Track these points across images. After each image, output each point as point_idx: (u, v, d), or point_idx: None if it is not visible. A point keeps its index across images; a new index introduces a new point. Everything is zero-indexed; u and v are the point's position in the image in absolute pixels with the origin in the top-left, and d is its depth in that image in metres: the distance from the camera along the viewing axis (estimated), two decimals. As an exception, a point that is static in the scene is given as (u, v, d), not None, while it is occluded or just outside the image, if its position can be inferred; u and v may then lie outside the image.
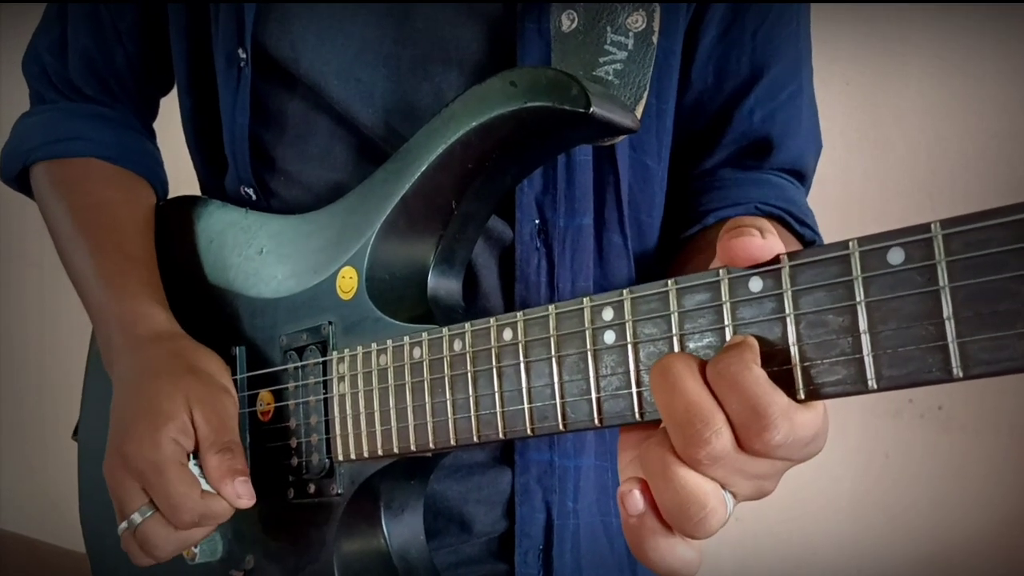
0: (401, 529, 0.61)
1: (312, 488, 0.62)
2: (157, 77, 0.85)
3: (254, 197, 0.73)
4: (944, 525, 1.42)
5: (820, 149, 0.76)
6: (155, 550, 0.60)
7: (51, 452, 2.39)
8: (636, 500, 0.40)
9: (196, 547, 0.68)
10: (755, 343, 0.39)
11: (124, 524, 0.61)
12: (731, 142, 0.70)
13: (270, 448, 0.65)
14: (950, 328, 0.35)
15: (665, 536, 0.40)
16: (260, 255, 0.70)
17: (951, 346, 0.35)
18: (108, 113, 0.83)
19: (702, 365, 0.39)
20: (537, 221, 0.65)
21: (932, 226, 0.35)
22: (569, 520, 0.67)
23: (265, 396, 0.67)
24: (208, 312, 0.73)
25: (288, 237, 0.69)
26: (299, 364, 0.63)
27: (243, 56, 0.69)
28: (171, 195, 0.84)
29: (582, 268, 0.66)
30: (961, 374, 0.35)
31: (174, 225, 0.78)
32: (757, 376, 0.37)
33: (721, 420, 0.38)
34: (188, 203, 0.79)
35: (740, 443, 0.38)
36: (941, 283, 0.35)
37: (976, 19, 1.33)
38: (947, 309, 0.35)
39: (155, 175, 0.84)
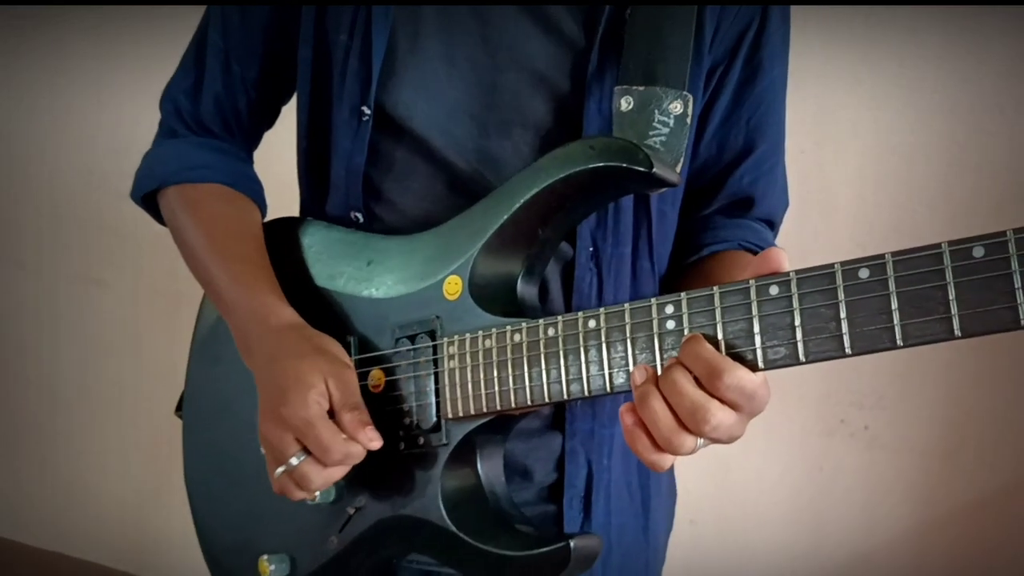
0: (489, 470, 0.82)
1: (421, 440, 0.82)
2: (267, 119, 1.05)
3: (361, 220, 0.93)
4: (867, 529, 1.68)
5: (787, 205, 1.00)
6: (309, 484, 0.79)
7: (15, 447, 2.50)
8: (626, 418, 0.67)
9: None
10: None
11: (281, 468, 0.80)
12: (724, 197, 0.94)
13: (381, 412, 0.85)
14: (896, 317, 0.58)
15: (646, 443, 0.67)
16: (368, 265, 0.91)
17: (896, 328, 0.58)
18: (226, 147, 1.02)
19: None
20: (591, 248, 0.87)
21: (886, 255, 0.59)
22: (604, 475, 0.89)
23: (376, 373, 0.87)
24: (318, 309, 0.92)
25: (394, 252, 0.89)
26: (412, 348, 0.84)
27: (367, 112, 0.89)
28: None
29: (622, 285, 0.88)
30: (902, 343, 0.58)
31: (284, 239, 0.98)
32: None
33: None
34: (296, 222, 0.99)
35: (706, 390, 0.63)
36: (891, 288, 0.58)
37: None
38: (894, 303, 0.58)
39: (260, 198, 1.03)
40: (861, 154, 1.66)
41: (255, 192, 1.02)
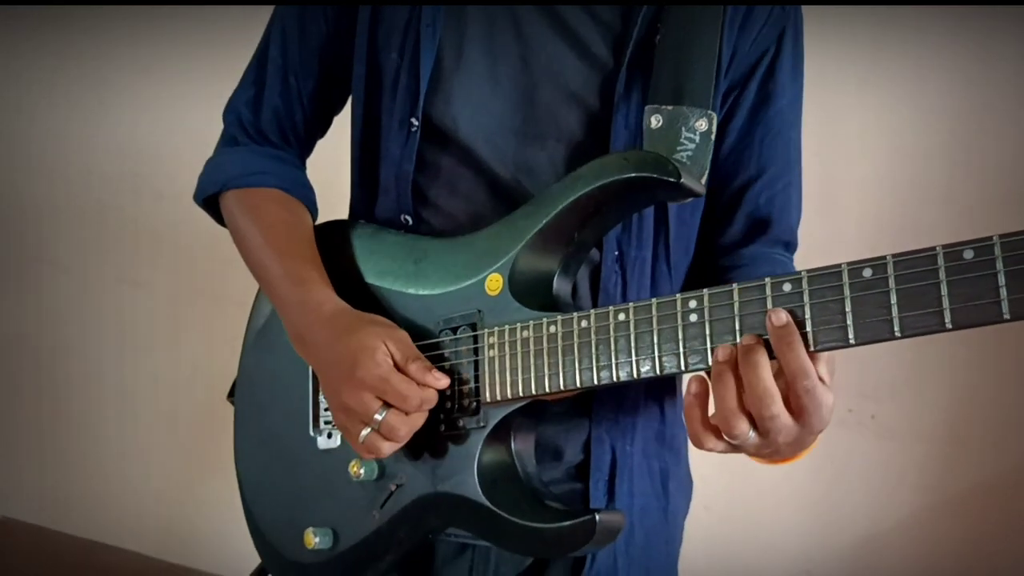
0: (522, 451, 0.90)
1: (461, 423, 0.90)
2: (320, 129, 1.14)
3: (410, 222, 1.02)
4: (876, 514, 1.76)
5: (800, 217, 1.07)
6: (397, 433, 0.86)
7: (59, 443, 2.60)
8: (692, 386, 0.74)
9: (362, 467, 0.95)
10: (792, 324, 0.70)
11: (367, 429, 0.87)
12: (743, 216, 1.01)
13: (423, 397, 0.93)
14: (895, 311, 0.66)
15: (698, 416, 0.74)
16: (415, 265, 0.99)
17: (895, 320, 0.65)
18: (283, 155, 1.11)
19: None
20: (617, 252, 0.95)
21: (887, 256, 0.66)
22: (628, 460, 0.96)
23: (420, 361, 0.95)
24: (367, 304, 1.00)
25: (439, 252, 0.97)
26: (455, 337, 0.92)
27: (415, 123, 0.98)
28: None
29: (643, 287, 0.96)
30: (900, 334, 0.65)
31: (337, 240, 1.06)
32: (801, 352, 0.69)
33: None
34: (348, 225, 1.07)
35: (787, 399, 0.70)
36: (891, 286, 0.66)
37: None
38: (894, 298, 0.66)
39: (312, 202, 1.12)
40: (869, 154, 1.74)
41: (308, 197, 1.11)
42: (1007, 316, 0.62)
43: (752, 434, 0.73)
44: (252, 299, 1.14)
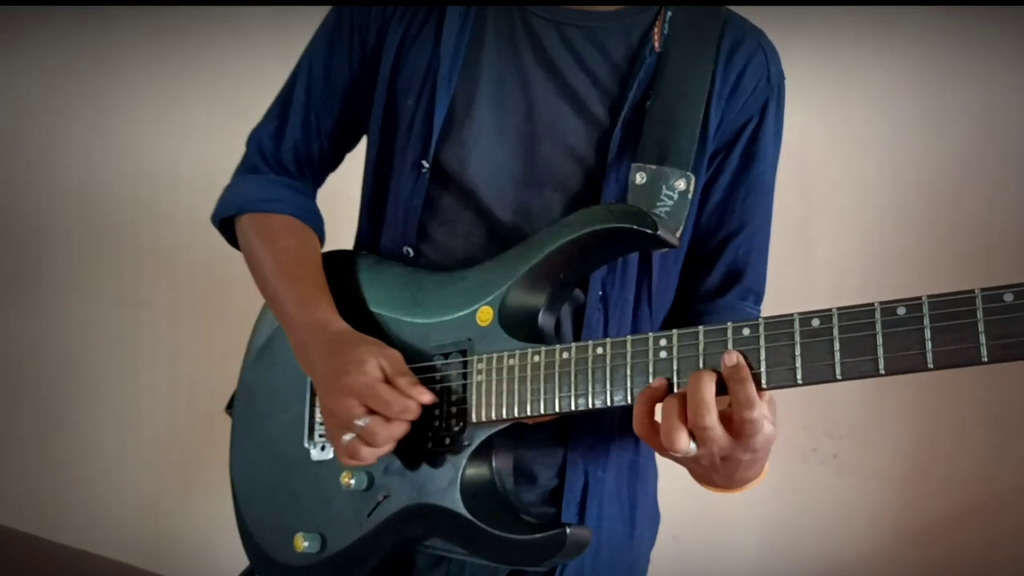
0: (502, 469, 0.98)
1: (447, 440, 0.98)
2: (333, 164, 1.24)
3: (411, 254, 1.11)
4: (837, 547, 1.87)
5: (766, 271, 1.17)
6: (376, 438, 0.93)
7: (49, 451, 2.65)
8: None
9: (352, 478, 1.03)
10: (743, 364, 0.79)
11: (348, 435, 0.95)
12: (722, 265, 1.11)
13: (414, 416, 1.01)
14: (838, 357, 0.75)
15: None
16: (414, 294, 1.08)
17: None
18: (298, 185, 1.21)
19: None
20: (600, 293, 1.04)
21: (832, 309, 0.76)
22: (599, 485, 1.05)
23: (414, 383, 1.03)
24: (368, 329, 1.08)
25: (436, 285, 1.06)
26: (447, 362, 1.00)
27: (426, 165, 1.08)
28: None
29: (624, 325, 1.05)
30: (840, 377, 0.74)
31: (344, 268, 1.15)
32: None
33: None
34: (354, 255, 1.16)
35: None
36: (835, 335, 0.75)
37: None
38: (837, 345, 0.75)
39: (321, 230, 1.21)
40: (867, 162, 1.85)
41: (317, 225, 1.20)
42: (931, 366, 0.71)
43: (692, 444, 0.81)
44: (246, 318, 1.23)
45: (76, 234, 2.65)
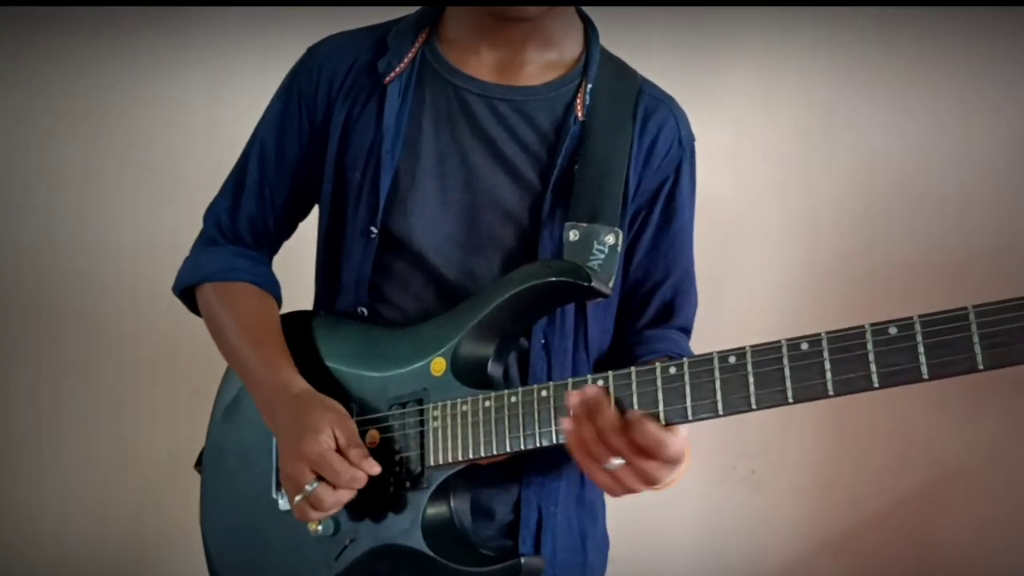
0: (460, 507, 1.07)
1: (408, 484, 1.06)
2: (287, 233, 1.32)
3: (366, 314, 1.19)
4: (759, 559, 2.04)
5: (696, 307, 1.28)
6: (322, 504, 1.02)
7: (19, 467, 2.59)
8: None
9: (320, 524, 1.10)
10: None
11: (299, 496, 1.03)
12: (653, 308, 1.22)
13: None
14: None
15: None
16: (371, 349, 1.16)
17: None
18: (254, 255, 1.28)
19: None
20: (543, 341, 1.14)
21: (746, 347, 0.87)
22: (552, 519, 1.14)
23: (372, 433, 1.11)
24: (327, 384, 1.16)
25: (391, 340, 1.15)
26: (404, 411, 1.09)
27: (374, 231, 1.17)
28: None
29: (566, 369, 1.15)
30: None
31: (303, 328, 1.23)
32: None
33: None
34: (312, 315, 1.24)
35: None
36: (748, 370, 0.86)
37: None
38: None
39: (278, 295, 1.29)
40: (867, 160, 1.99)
41: (275, 290, 1.28)
42: (831, 393, 0.82)
43: (615, 460, 0.90)
44: (187, 382, 1.28)
45: (18, 303, 2.64)
